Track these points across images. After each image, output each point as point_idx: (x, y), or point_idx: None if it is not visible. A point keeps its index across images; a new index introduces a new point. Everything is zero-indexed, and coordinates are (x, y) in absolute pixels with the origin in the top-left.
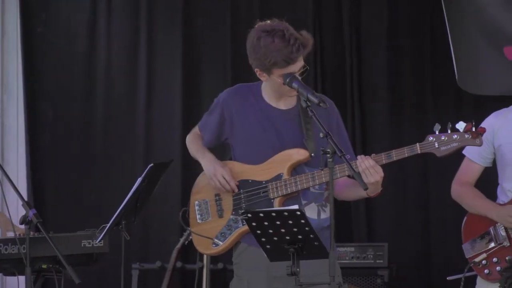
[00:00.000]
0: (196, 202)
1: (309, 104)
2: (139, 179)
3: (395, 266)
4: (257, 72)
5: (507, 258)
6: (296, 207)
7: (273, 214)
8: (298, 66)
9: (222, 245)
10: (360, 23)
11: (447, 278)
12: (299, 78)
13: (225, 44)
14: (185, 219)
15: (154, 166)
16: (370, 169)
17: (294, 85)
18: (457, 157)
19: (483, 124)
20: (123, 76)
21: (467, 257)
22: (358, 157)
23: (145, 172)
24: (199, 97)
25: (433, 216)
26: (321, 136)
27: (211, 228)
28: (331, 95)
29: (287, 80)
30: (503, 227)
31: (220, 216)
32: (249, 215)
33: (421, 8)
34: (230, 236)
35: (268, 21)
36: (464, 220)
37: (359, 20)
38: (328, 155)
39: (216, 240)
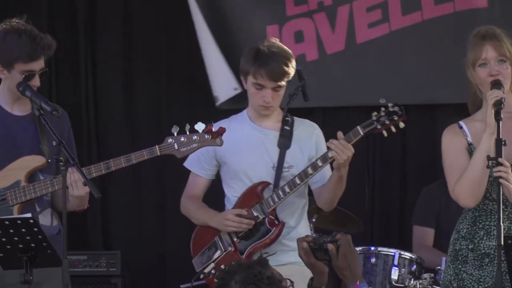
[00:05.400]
0: None
1: (42, 112)
2: None
3: (128, 274)
4: None
5: (222, 266)
6: (29, 215)
7: (7, 222)
8: (40, 64)
9: None
10: (96, 41)
11: (180, 287)
12: (32, 87)
13: None
14: None
15: None
16: (77, 182)
17: (27, 93)
18: None
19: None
20: None
21: (197, 270)
22: (69, 169)
23: None
24: None
25: (169, 223)
26: (54, 144)
27: None
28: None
29: (20, 89)
30: (227, 234)
31: None
32: None
33: (157, 24)
34: None
35: (15, 21)
36: (194, 234)
37: (95, 36)
38: (61, 163)
39: None
